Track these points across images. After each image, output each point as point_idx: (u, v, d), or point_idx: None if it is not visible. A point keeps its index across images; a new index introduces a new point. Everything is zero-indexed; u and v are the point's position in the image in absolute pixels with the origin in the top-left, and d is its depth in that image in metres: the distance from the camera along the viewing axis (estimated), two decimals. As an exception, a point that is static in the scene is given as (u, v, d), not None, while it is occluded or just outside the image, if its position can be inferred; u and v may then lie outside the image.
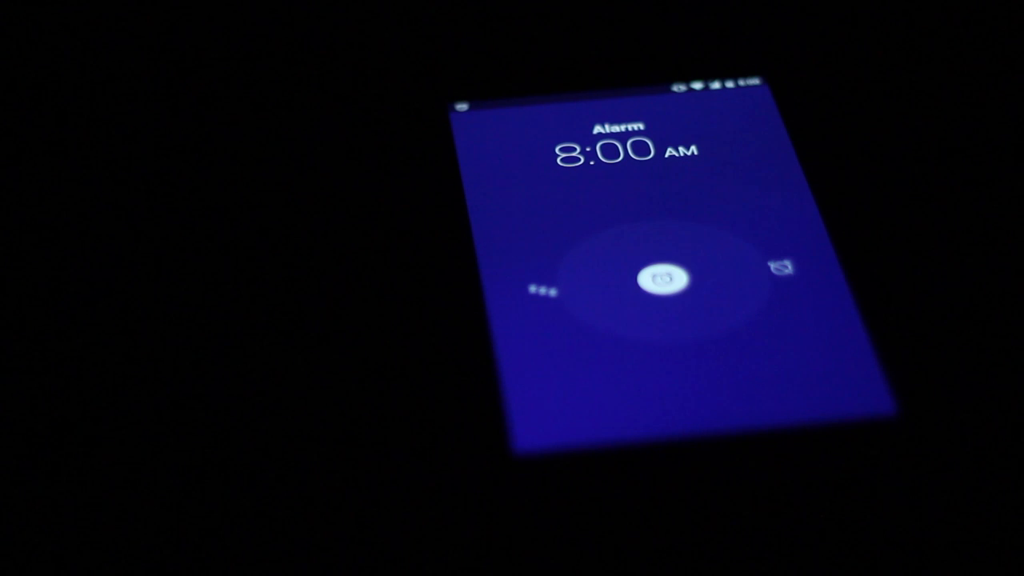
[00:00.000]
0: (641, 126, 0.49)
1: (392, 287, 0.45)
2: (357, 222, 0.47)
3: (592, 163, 0.48)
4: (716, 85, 0.51)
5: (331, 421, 0.42)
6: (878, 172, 0.48)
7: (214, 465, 0.41)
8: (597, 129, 0.49)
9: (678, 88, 0.51)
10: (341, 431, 0.42)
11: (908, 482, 0.40)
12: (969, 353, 0.43)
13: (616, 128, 0.49)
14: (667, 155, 0.49)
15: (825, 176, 0.47)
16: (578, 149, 0.49)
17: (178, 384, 0.43)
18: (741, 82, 0.51)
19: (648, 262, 0.45)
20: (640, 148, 0.49)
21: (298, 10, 0.54)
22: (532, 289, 0.45)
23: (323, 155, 0.49)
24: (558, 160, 0.48)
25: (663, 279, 0.45)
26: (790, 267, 0.45)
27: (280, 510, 0.40)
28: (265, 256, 0.46)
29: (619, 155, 0.49)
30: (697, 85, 0.51)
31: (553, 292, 0.45)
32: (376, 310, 0.44)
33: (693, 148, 0.49)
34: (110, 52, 0.52)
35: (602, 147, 0.49)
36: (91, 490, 0.41)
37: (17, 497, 0.41)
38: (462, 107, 0.50)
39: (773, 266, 0.45)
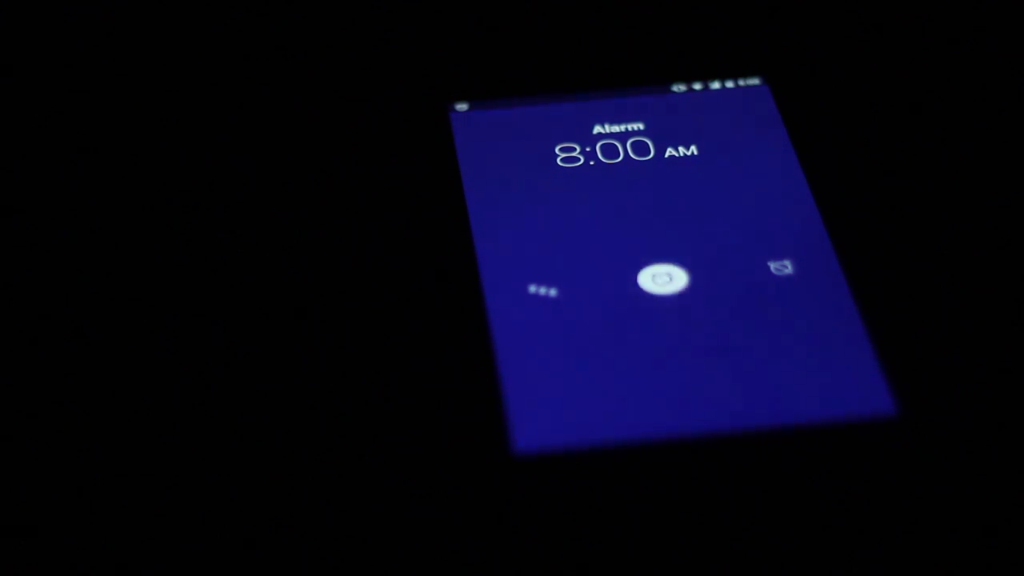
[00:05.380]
0: (641, 126, 0.49)
1: (392, 287, 0.45)
2: (357, 222, 0.47)
3: (592, 163, 0.48)
4: (716, 85, 0.51)
5: (331, 421, 0.42)
6: (878, 172, 0.48)
7: (214, 465, 0.41)
8: (597, 129, 0.49)
9: (678, 88, 0.51)
10: (342, 431, 0.42)
11: (908, 482, 0.40)
12: (969, 353, 0.43)
13: (616, 128, 0.49)
14: (667, 155, 0.48)
15: (825, 176, 0.47)
16: (578, 149, 0.49)
17: (178, 385, 0.43)
18: (741, 82, 0.51)
19: (648, 262, 0.45)
20: (640, 148, 0.49)
21: (298, 10, 0.54)
22: (532, 289, 0.45)
23: (323, 155, 0.49)
24: (558, 160, 0.48)
25: (663, 279, 0.45)
26: (790, 267, 0.45)
27: (280, 510, 0.40)
28: (265, 256, 0.46)
29: (619, 155, 0.49)
30: (697, 85, 0.51)
31: (553, 292, 0.45)
32: (376, 310, 0.44)
33: (693, 148, 0.49)
34: (110, 52, 0.52)
35: (602, 147, 0.49)
36: (92, 490, 0.41)
37: (17, 497, 0.41)
38: (462, 107, 0.50)
39: (773, 266, 0.45)
